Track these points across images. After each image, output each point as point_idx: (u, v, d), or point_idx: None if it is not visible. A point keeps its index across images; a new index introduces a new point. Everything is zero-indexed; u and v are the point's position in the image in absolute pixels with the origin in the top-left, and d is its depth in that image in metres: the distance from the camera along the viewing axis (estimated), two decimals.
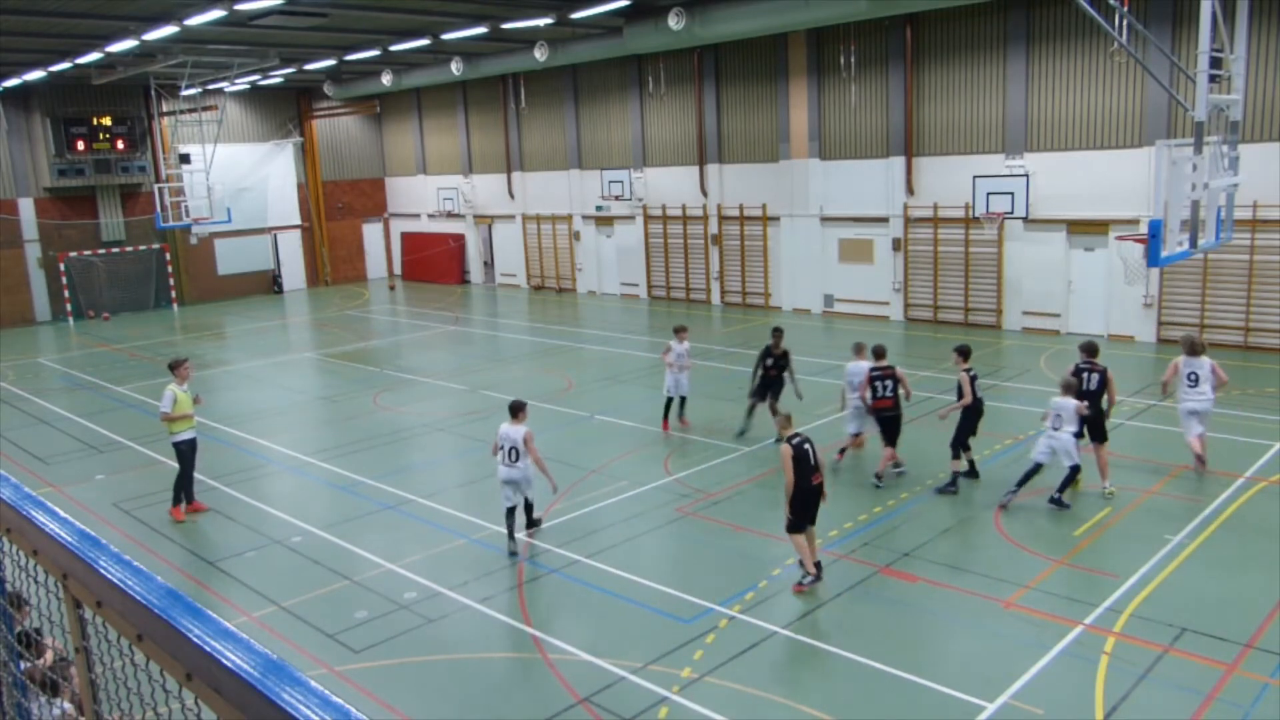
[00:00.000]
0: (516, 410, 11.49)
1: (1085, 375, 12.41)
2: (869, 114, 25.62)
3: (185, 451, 13.07)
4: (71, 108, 32.56)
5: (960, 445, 12.78)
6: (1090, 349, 12.72)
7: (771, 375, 15.47)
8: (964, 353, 12.93)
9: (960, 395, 12.72)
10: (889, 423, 13.03)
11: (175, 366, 13.26)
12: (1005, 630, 9.13)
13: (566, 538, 11.77)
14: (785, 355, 15.52)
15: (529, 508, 11.83)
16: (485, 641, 9.44)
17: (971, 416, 12.74)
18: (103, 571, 1.87)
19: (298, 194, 39.09)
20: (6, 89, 30.33)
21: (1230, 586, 9.78)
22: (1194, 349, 12.74)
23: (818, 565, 10.18)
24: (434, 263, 39.09)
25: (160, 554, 11.88)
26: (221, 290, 36.90)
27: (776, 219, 28.06)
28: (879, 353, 13.16)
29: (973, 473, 13.05)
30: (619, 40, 25.18)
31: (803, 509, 10.06)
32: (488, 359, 23.57)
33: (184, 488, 13.21)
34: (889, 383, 12.89)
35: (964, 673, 8.41)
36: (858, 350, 13.70)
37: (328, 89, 36.34)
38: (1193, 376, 12.67)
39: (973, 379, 12.70)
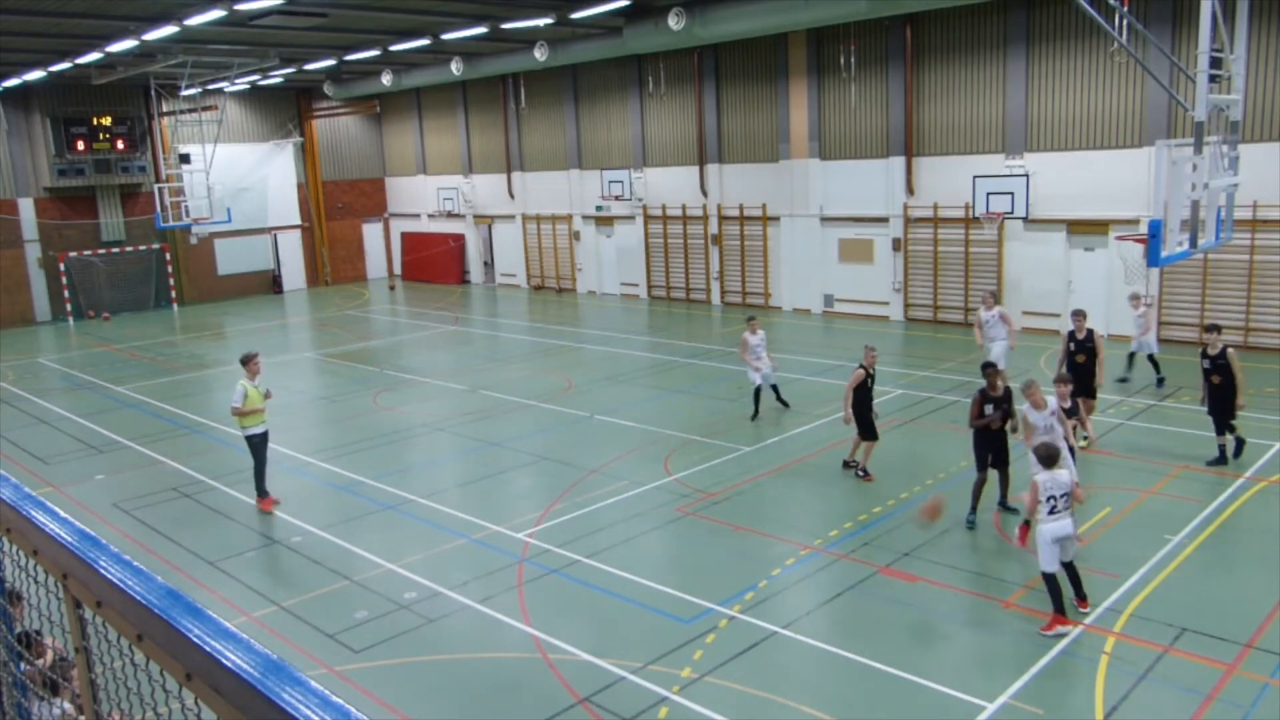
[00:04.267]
0: (750, 319, 16.89)
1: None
2: (869, 114, 25.62)
3: (257, 445, 13.12)
4: (71, 108, 32.57)
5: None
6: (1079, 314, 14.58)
7: None
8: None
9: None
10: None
11: (246, 361, 13.20)
12: (1005, 630, 9.13)
13: (566, 538, 11.77)
14: None
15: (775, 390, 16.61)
16: (485, 641, 9.44)
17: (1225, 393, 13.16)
18: (103, 571, 1.87)
19: (298, 194, 39.10)
20: (6, 89, 30.33)
21: (1230, 586, 9.79)
22: None
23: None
24: (434, 263, 39.09)
25: (160, 554, 11.88)
26: (221, 290, 36.91)
27: (776, 219, 28.06)
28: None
29: (1237, 451, 13.39)
30: (619, 40, 25.18)
31: (868, 423, 13.21)
32: (488, 359, 23.57)
33: (259, 478, 13.34)
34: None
35: (964, 673, 8.42)
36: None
37: (328, 89, 36.34)
38: None
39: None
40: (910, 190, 25.00)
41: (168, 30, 20.94)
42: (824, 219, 26.91)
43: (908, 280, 25.41)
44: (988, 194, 22.81)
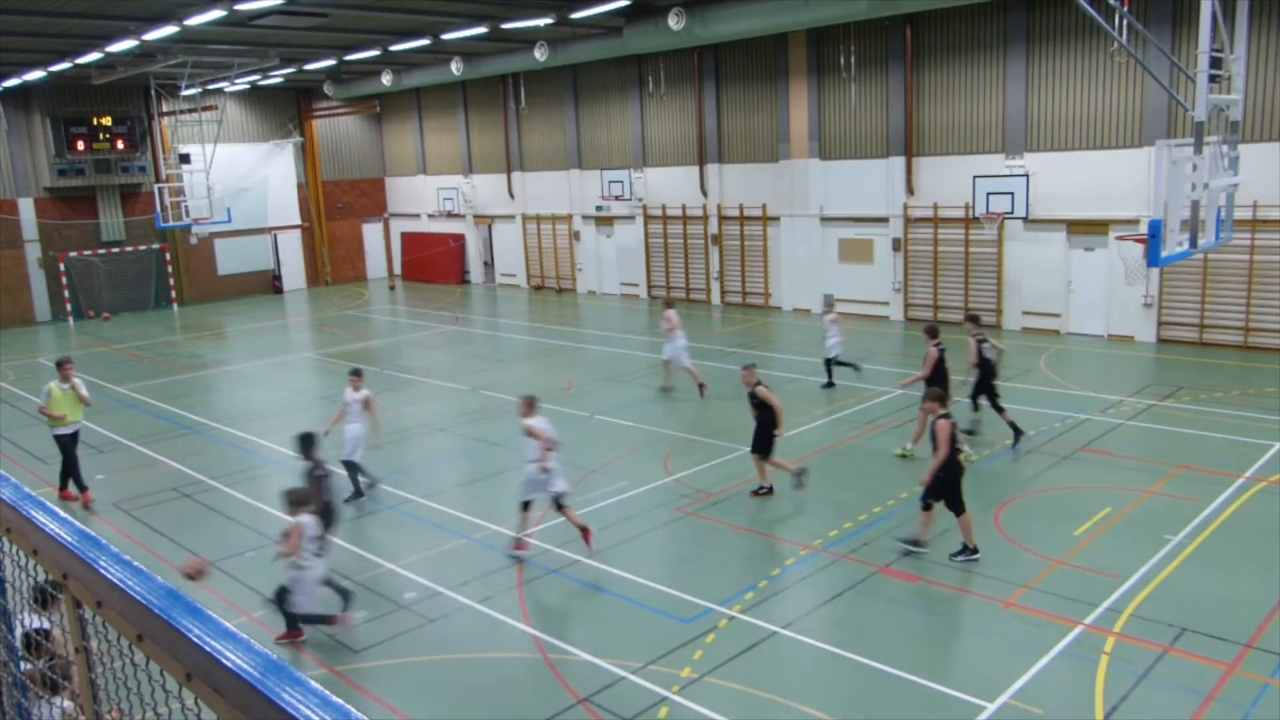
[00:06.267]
0: (352, 373, 13.58)
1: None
2: (869, 114, 25.62)
3: (66, 444, 13.72)
4: (71, 108, 32.56)
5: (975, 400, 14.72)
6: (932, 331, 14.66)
7: None
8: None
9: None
10: None
11: (59, 365, 13.89)
12: (1005, 630, 9.13)
13: (566, 538, 11.76)
14: None
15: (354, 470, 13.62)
16: (485, 641, 9.44)
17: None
18: (103, 571, 1.87)
19: (298, 194, 39.09)
20: (6, 89, 30.32)
21: (1230, 586, 9.78)
22: None
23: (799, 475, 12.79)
24: (434, 263, 39.09)
25: (160, 554, 11.87)
26: (221, 290, 36.90)
27: (776, 219, 28.06)
28: None
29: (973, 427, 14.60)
30: (619, 40, 25.18)
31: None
32: (488, 359, 23.56)
33: (73, 476, 13.91)
34: None
35: (964, 673, 8.42)
36: None
37: (328, 89, 36.33)
38: None
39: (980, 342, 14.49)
40: (910, 190, 25.00)
41: (168, 30, 20.93)
42: (824, 219, 26.91)
43: (908, 280, 25.40)
44: (988, 194, 22.81)
